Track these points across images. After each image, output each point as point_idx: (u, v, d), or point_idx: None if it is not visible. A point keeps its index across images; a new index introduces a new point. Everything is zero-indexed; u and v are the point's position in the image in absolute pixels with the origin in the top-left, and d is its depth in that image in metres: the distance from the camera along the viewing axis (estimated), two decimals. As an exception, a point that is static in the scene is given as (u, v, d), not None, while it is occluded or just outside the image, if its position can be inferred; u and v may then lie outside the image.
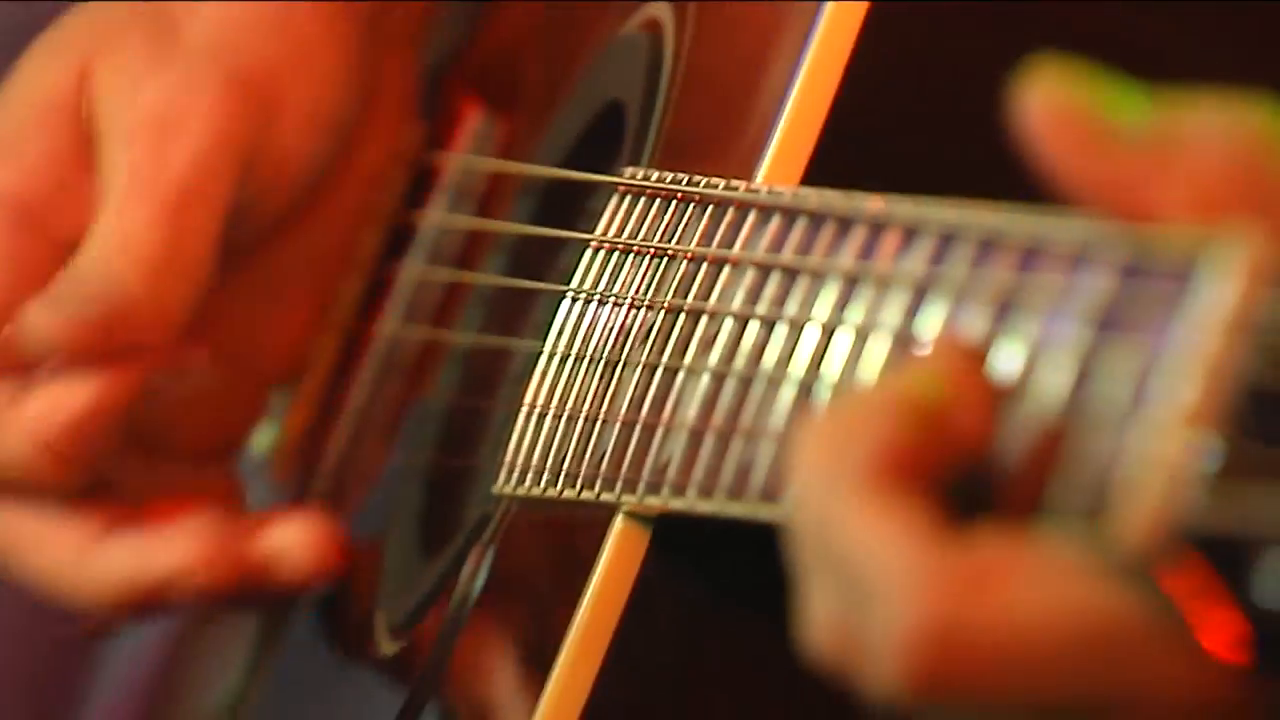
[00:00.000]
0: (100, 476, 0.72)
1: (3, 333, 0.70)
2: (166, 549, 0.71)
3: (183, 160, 0.72)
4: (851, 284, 0.52)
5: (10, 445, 0.70)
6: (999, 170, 0.51)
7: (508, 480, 0.67)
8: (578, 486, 0.63)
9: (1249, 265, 0.41)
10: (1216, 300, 0.41)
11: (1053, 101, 0.46)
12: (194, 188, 0.72)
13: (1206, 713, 0.44)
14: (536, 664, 0.61)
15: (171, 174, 0.72)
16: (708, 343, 0.57)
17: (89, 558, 0.71)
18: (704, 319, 0.58)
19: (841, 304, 0.53)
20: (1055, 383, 0.44)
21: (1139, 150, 0.45)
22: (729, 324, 0.57)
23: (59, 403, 0.70)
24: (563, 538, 0.65)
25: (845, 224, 0.52)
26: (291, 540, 0.72)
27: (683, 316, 0.59)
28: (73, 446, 0.70)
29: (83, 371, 0.70)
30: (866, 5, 0.61)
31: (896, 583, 0.44)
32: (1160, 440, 0.42)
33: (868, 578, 0.45)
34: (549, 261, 0.70)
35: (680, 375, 0.58)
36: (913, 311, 0.49)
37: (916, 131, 0.59)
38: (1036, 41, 0.56)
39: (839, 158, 0.59)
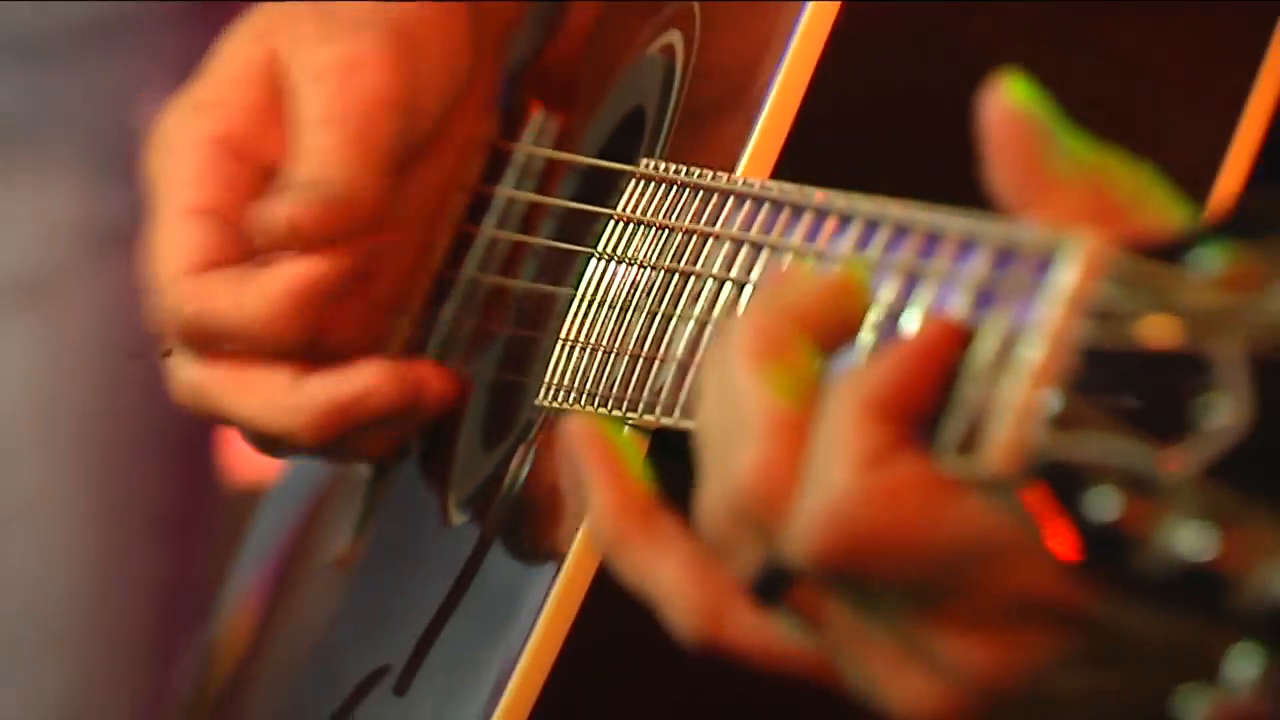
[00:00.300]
0: (313, 337, 0.78)
1: (251, 218, 0.77)
2: (357, 374, 0.77)
3: (364, 90, 0.78)
4: (801, 258, 0.55)
5: (251, 305, 0.76)
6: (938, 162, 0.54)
7: (546, 395, 0.72)
8: (595, 404, 0.67)
9: (1088, 259, 0.44)
10: (1064, 283, 0.44)
11: (1014, 112, 0.48)
12: (374, 111, 0.78)
13: (1045, 598, 0.46)
14: (557, 546, 0.65)
15: (357, 101, 0.78)
16: (694, 297, 0.62)
17: (295, 391, 0.77)
18: (691, 279, 0.62)
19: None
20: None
21: (1054, 168, 0.48)
22: (709, 284, 0.61)
23: (296, 273, 0.76)
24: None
25: (798, 210, 0.57)
26: (430, 373, 0.79)
27: (676, 276, 0.63)
28: (306, 307, 0.77)
29: (308, 254, 0.77)
30: (838, 5, 0.62)
31: (839, 465, 0.46)
32: (1017, 391, 0.45)
33: (820, 457, 0.47)
34: (585, 229, 0.74)
35: (673, 321, 0.62)
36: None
37: (874, 123, 0.60)
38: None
39: (809, 147, 0.62)
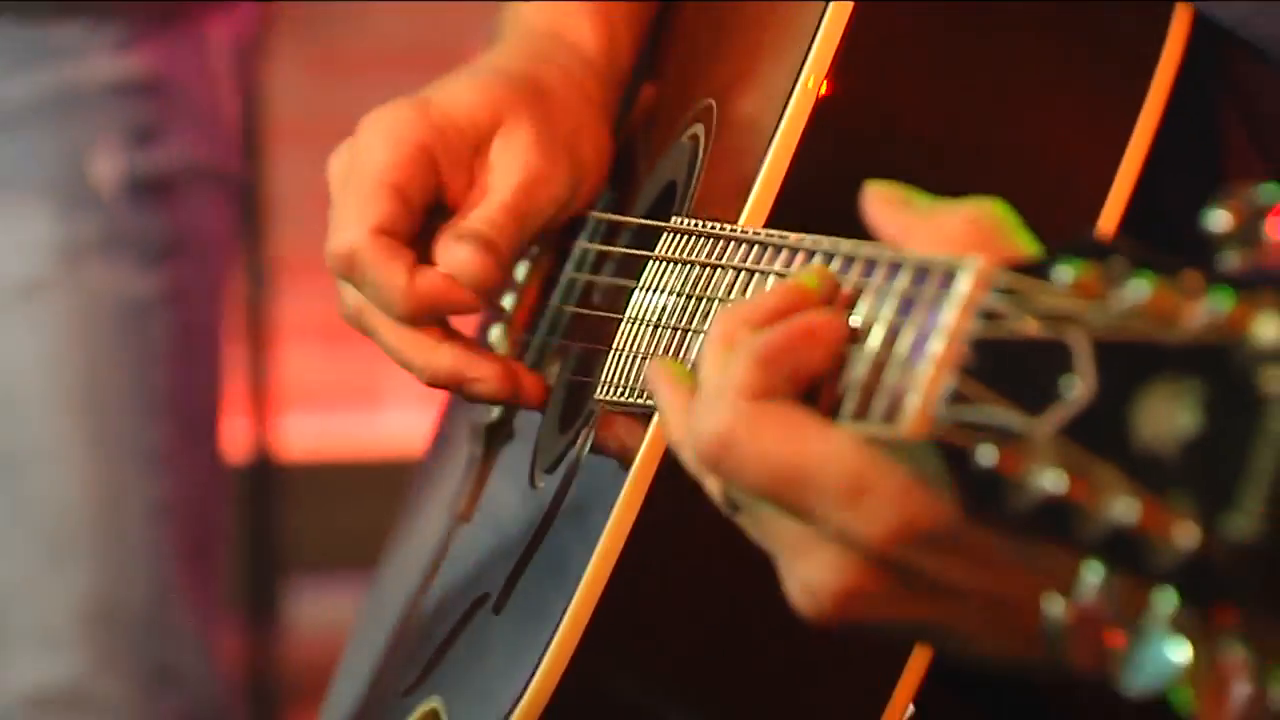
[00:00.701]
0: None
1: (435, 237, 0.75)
2: (482, 363, 0.76)
3: (543, 199, 0.76)
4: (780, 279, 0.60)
5: (403, 290, 0.73)
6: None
7: (602, 391, 0.73)
8: (635, 396, 0.70)
9: (978, 274, 0.48)
10: (960, 293, 0.48)
11: (881, 193, 0.54)
12: (544, 210, 0.76)
13: (932, 530, 0.48)
14: (610, 494, 0.68)
15: (534, 203, 0.76)
16: (705, 316, 0.66)
17: (433, 352, 0.75)
18: (704, 301, 0.66)
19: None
20: (877, 336, 0.52)
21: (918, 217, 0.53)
22: (716, 304, 0.65)
23: (442, 289, 0.74)
24: (632, 424, 0.71)
25: (778, 248, 0.62)
26: (526, 377, 0.78)
27: (694, 300, 0.67)
28: (441, 312, 0.75)
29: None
30: (813, 103, 0.66)
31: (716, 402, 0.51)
32: (926, 375, 0.48)
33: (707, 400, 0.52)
34: (633, 268, 0.76)
35: (689, 335, 0.66)
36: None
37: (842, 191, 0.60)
38: None
39: (792, 207, 0.66)
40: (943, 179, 0.59)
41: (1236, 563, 0.39)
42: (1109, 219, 0.66)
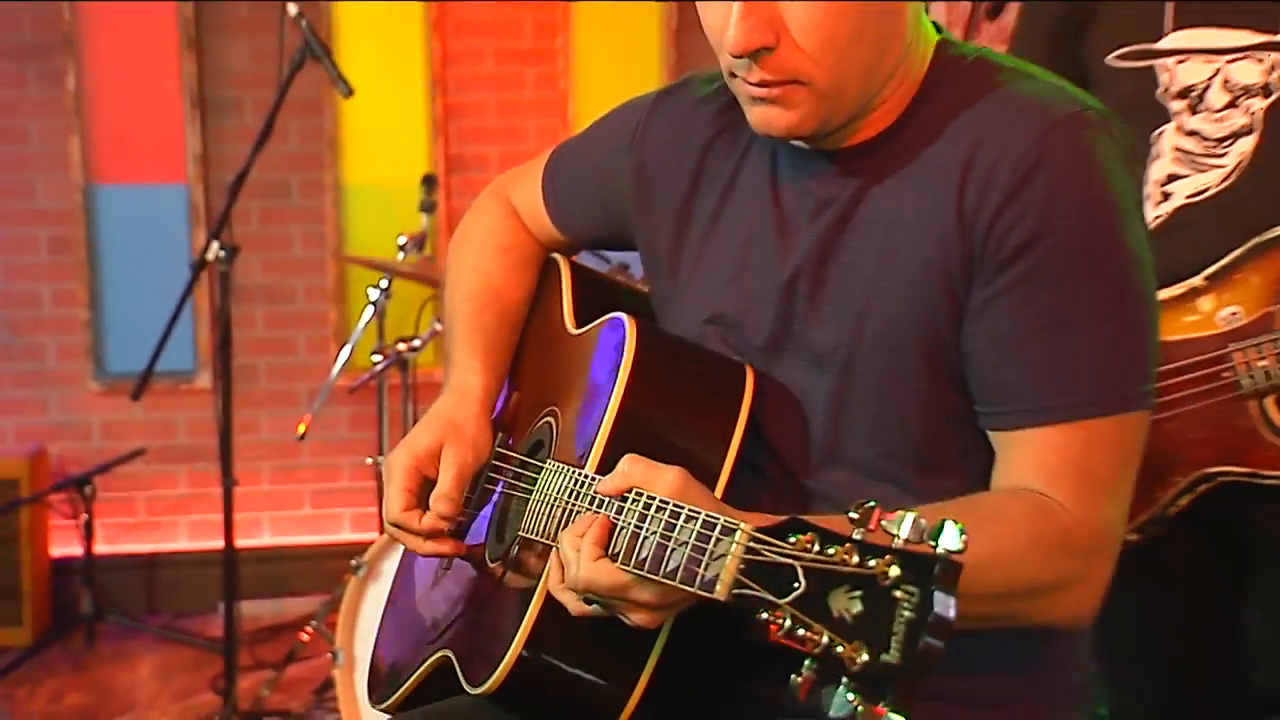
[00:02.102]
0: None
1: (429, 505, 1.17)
2: (429, 543, 1.18)
3: (465, 471, 1.18)
4: (600, 505, 1.00)
5: (415, 527, 1.17)
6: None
7: (520, 527, 1.13)
8: (536, 534, 1.10)
9: (742, 531, 0.85)
10: (738, 538, 0.85)
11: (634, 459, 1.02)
12: (466, 477, 1.19)
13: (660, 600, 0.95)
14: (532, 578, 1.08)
15: (459, 475, 1.18)
16: (570, 510, 1.05)
17: (426, 541, 1.18)
18: (573, 497, 1.05)
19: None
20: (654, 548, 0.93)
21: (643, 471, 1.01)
22: (574, 504, 1.05)
23: (430, 526, 1.17)
24: (539, 550, 1.10)
25: (592, 480, 1.04)
26: (451, 545, 1.20)
27: (568, 496, 1.06)
28: (430, 531, 1.17)
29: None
30: (618, 407, 1.06)
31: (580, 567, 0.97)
32: (727, 571, 0.83)
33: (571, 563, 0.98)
34: (529, 477, 1.16)
35: (556, 506, 1.07)
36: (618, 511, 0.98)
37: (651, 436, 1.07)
38: None
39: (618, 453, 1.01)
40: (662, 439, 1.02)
41: (887, 673, 0.73)
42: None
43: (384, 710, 1.23)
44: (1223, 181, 1.44)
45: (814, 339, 1.04)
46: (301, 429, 2.86)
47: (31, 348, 3.58)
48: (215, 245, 2.79)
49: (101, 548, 3.46)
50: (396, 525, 1.17)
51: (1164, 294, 1.45)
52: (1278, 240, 1.41)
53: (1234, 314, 1.41)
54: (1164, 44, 1.46)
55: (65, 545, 3.48)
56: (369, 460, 3.03)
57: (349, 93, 2.84)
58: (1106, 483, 0.96)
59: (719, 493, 1.02)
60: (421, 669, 1.17)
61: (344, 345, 2.97)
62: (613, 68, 3.68)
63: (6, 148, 3.52)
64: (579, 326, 1.19)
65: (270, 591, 3.59)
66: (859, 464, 1.04)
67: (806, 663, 0.78)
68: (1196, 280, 1.45)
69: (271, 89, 2.76)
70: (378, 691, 1.27)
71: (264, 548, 3.68)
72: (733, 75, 1.02)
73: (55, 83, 3.49)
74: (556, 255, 1.30)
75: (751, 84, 0.99)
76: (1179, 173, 1.47)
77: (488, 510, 1.21)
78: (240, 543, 2.97)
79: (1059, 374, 0.95)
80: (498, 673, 1.04)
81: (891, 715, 0.75)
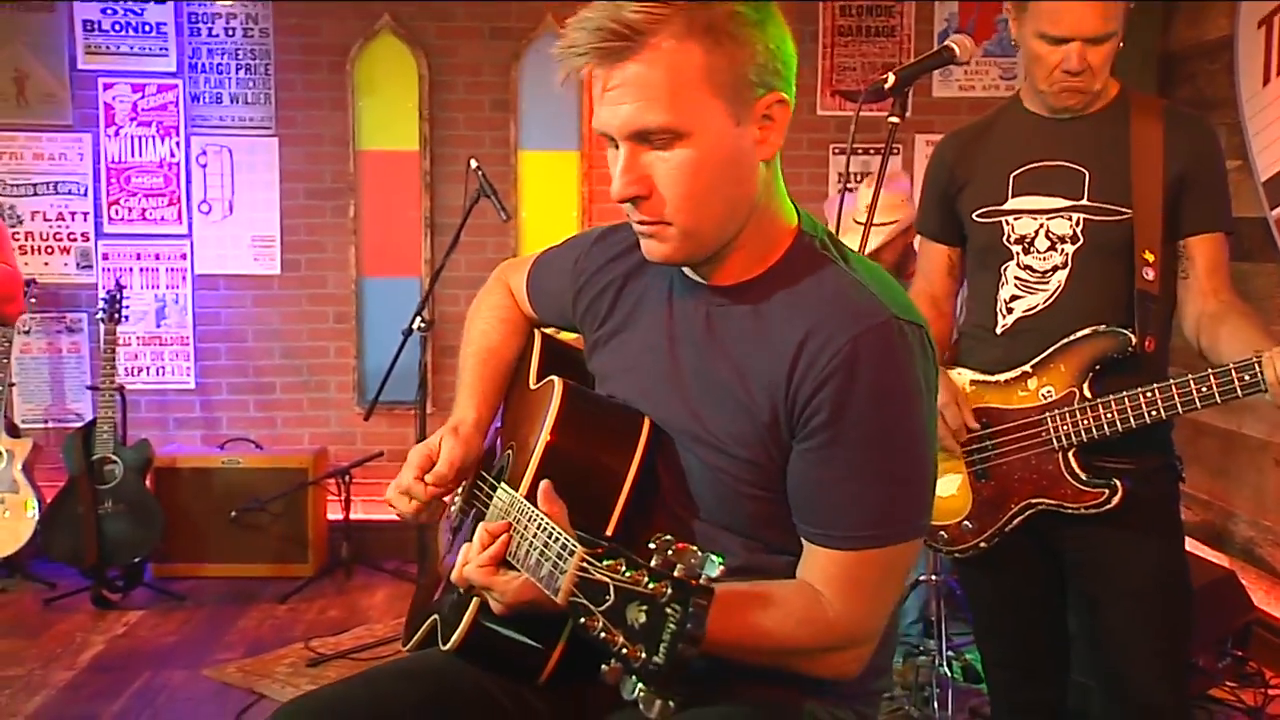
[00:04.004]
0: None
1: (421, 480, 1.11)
2: (417, 506, 1.12)
3: (458, 462, 1.12)
4: (519, 518, 0.96)
5: (418, 493, 1.13)
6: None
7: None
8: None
9: (581, 546, 0.83)
10: (576, 557, 0.83)
11: (547, 491, 0.97)
12: (461, 467, 1.13)
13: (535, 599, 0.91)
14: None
15: (457, 462, 1.12)
16: (522, 519, 0.96)
17: (413, 507, 1.12)
18: (518, 511, 0.97)
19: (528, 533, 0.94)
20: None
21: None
22: (520, 517, 0.96)
23: (430, 492, 1.11)
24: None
25: (530, 502, 0.97)
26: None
27: (513, 509, 0.98)
28: (427, 497, 1.12)
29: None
30: (545, 445, 1.01)
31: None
32: (567, 582, 0.82)
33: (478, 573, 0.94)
34: (489, 493, 1.11)
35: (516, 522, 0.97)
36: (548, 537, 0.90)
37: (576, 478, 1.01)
38: None
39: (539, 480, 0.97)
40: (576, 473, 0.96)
41: (655, 670, 0.74)
42: (613, 525, 0.97)
43: (407, 650, 1.22)
44: (1046, 301, 1.52)
45: (681, 424, 1.00)
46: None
47: (320, 384, 3.79)
48: (418, 319, 2.92)
49: (356, 515, 3.59)
50: (404, 493, 1.11)
51: (1005, 376, 1.56)
52: (1079, 341, 1.50)
53: (1049, 391, 1.51)
54: (1007, 206, 1.55)
55: (334, 512, 3.63)
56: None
57: (507, 218, 2.94)
58: (870, 593, 0.94)
59: (616, 513, 0.97)
60: (424, 626, 1.16)
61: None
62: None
63: (309, 255, 3.76)
64: (536, 384, 1.16)
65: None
66: (709, 521, 1.01)
67: (613, 659, 0.77)
68: (1027, 367, 1.53)
69: (481, 216, 2.90)
70: (404, 634, 1.23)
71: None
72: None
73: (342, 212, 3.72)
74: (536, 329, 1.27)
75: (635, 221, 0.97)
76: (1018, 294, 1.55)
77: (473, 512, 1.17)
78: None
79: (846, 515, 0.92)
80: (455, 637, 1.03)
81: (659, 700, 0.76)
